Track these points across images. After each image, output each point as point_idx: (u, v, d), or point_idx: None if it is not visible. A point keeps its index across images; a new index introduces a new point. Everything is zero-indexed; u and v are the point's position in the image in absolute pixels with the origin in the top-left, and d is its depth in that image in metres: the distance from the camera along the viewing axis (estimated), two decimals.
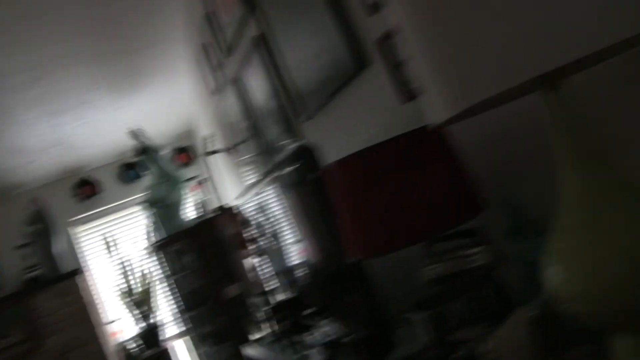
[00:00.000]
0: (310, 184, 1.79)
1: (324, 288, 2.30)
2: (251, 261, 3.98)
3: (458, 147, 1.55)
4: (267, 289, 3.56)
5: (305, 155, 1.75)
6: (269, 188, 2.96)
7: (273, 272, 3.46)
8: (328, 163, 1.47)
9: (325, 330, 2.11)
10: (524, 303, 1.23)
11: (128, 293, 5.00)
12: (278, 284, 3.34)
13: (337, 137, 2.32)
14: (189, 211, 4.65)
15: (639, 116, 1.02)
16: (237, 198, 4.35)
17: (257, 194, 3.31)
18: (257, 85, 3.10)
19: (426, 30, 0.80)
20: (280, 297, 3.13)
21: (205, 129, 4.96)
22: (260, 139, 3.41)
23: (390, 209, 1.25)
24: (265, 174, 3.06)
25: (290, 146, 2.80)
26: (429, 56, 0.81)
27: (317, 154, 1.77)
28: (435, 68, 0.80)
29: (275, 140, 3.11)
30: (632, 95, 1.02)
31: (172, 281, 4.52)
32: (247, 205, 3.68)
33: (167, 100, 4.99)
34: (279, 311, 2.64)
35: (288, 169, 2.05)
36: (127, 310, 4.98)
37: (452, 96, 0.78)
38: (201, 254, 4.32)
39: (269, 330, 2.85)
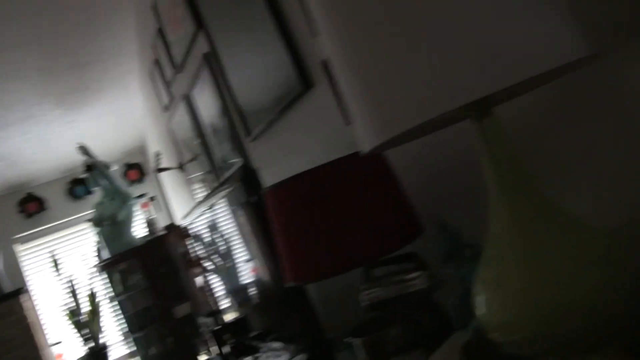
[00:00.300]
0: (253, 205, 1.76)
1: (269, 310, 2.26)
2: (202, 280, 3.91)
3: (396, 170, 1.54)
4: (218, 308, 3.49)
5: (246, 176, 1.72)
6: (218, 206, 2.92)
7: (224, 291, 3.40)
8: (266, 186, 1.45)
9: (269, 353, 2.07)
10: (462, 328, 1.22)
11: (74, 313, 4.85)
12: (229, 304, 3.28)
13: (284, 157, 2.30)
14: (138, 229, 4.55)
15: (568, 144, 1.03)
16: (187, 216, 4.28)
17: (207, 212, 3.25)
18: (207, 103, 3.06)
19: (351, 58, 0.79)
20: (231, 316, 3.08)
21: (157, 145, 4.88)
22: (210, 157, 3.37)
23: (326, 233, 1.23)
24: (214, 193, 3.02)
25: (234, 166, 2.77)
26: (355, 85, 0.79)
27: (257, 176, 1.75)
28: (361, 97, 0.79)
29: (224, 158, 3.07)
30: (561, 123, 1.03)
31: (119, 301, 4.40)
32: (198, 223, 3.62)
33: (118, 115, 4.89)
34: (226, 332, 2.59)
35: (232, 189, 2.02)
36: (74, 331, 4.82)
37: (377, 125, 0.77)
38: (149, 273, 4.22)
39: (216, 352, 2.79)
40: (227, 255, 3.33)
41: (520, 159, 0.82)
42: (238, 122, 2.70)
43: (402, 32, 0.73)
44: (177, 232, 4.15)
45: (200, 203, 3.57)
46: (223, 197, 2.46)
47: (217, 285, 3.52)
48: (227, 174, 2.82)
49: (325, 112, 1.86)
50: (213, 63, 2.75)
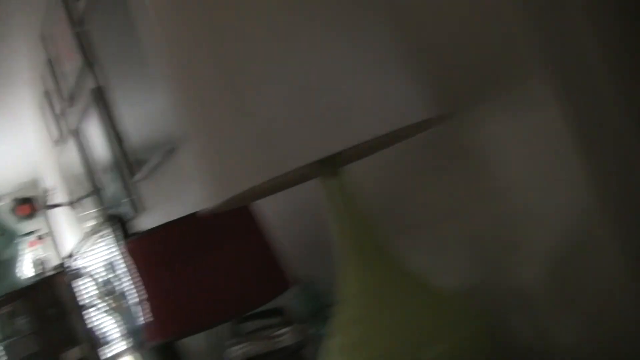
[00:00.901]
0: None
1: (159, 354, 2.15)
2: (95, 321, 3.70)
3: (265, 222, 1.51)
4: (113, 351, 3.32)
5: (118, 222, 1.63)
6: (109, 246, 2.78)
7: (122, 332, 3.24)
8: (132, 235, 1.38)
9: None
10: None
11: None
12: (127, 345, 3.12)
13: (168, 200, 2.22)
14: (26, 269, 4.28)
15: (425, 203, 1.02)
16: (76, 254, 4.06)
17: (98, 251, 3.10)
18: (96, 139, 2.93)
19: (189, 120, 0.75)
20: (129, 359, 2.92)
21: (50, 179, 4.64)
22: (100, 195, 3.22)
23: (190, 288, 1.17)
24: (103, 232, 2.88)
25: (113, 209, 2.66)
26: (194, 146, 0.76)
27: (125, 224, 1.66)
28: (199, 158, 0.75)
29: (114, 197, 2.94)
30: (416, 181, 1.03)
31: (4, 347, 4.09)
32: (90, 262, 3.44)
33: (10, 147, 4.62)
34: None
35: (113, 232, 1.92)
36: None
37: (214, 187, 0.74)
38: (36, 317, 3.96)
39: None
40: (122, 295, 3.17)
41: (368, 221, 0.80)
42: (126, 162, 2.59)
43: (235, 96, 0.70)
44: (67, 272, 3.92)
45: (90, 242, 3.40)
46: (109, 238, 2.35)
47: (115, 326, 3.35)
48: (108, 216, 2.71)
49: None
50: (102, 99, 2.64)
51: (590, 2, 0.83)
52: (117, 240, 1.64)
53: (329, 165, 0.81)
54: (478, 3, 0.83)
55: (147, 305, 1.23)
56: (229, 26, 0.70)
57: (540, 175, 0.83)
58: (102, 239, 2.87)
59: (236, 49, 0.69)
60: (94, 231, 3.26)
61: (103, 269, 3.29)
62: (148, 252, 1.17)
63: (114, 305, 3.27)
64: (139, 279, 1.25)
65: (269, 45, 0.68)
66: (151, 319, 1.22)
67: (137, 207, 2.60)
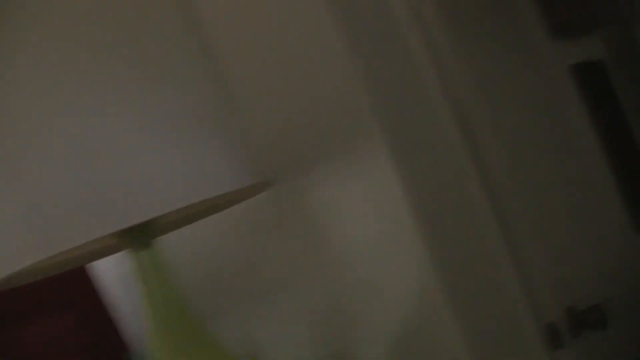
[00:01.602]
0: None
1: None
2: None
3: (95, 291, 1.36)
4: None
5: None
6: None
7: None
8: None
9: None
10: None
11: None
12: None
13: None
14: None
15: (257, 275, 0.93)
16: None
17: None
18: None
19: None
20: None
21: None
22: None
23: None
24: None
25: None
26: None
27: None
28: None
29: None
30: (249, 251, 0.93)
31: None
32: None
33: None
34: None
35: None
36: None
37: None
38: None
39: None
40: None
41: (181, 298, 0.73)
42: None
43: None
44: None
45: None
46: None
47: None
48: None
49: None
50: None
51: (429, 67, 0.81)
52: None
53: (137, 237, 0.71)
54: (310, 68, 0.76)
55: None
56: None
57: (379, 244, 0.77)
58: None
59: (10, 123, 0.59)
60: None
61: None
62: None
63: None
64: None
65: (46, 115, 0.59)
66: None
67: None
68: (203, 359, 0.70)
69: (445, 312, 0.73)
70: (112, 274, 1.09)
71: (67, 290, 1.12)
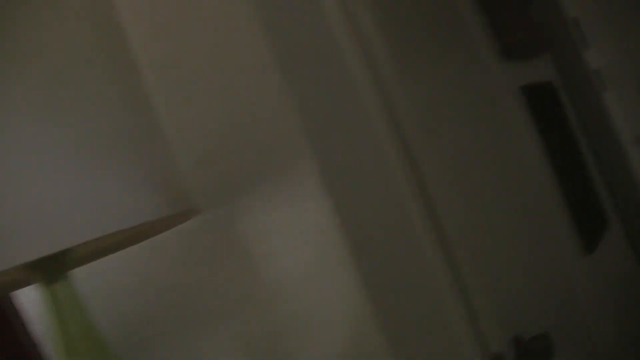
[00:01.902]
0: None
1: None
2: None
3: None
4: None
5: None
6: None
7: None
8: None
9: None
10: None
11: None
12: None
13: None
14: None
15: (190, 305, 0.88)
16: None
17: None
18: None
19: None
20: None
21: None
22: None
23: None
24: None
25: None
26: None
27: None
28: None
29: None
30: (182, 280, 0.88)
31: None
32: None
33: None
34: None
35: None
36: None
37: None
38: None
39: None
40: None
41: (95, 333, 0.67)
42: None
43: None
44: None
45: None
46: None
47: None
48: None
49: None
50: None
51: (369, 89, 0.77)
52: None
53: (48, 269, 0.65)
54: (240, 91, 0.72)
55: None
56: None
57: (311, 274, 0.73)
58: None
59: None
60: None
61: None
62: None
63: None
64: None
65: None
66: None
67: None
68: None
69: (381, 345, 0.70)
70: (32, 305, 1.02)
71: None
